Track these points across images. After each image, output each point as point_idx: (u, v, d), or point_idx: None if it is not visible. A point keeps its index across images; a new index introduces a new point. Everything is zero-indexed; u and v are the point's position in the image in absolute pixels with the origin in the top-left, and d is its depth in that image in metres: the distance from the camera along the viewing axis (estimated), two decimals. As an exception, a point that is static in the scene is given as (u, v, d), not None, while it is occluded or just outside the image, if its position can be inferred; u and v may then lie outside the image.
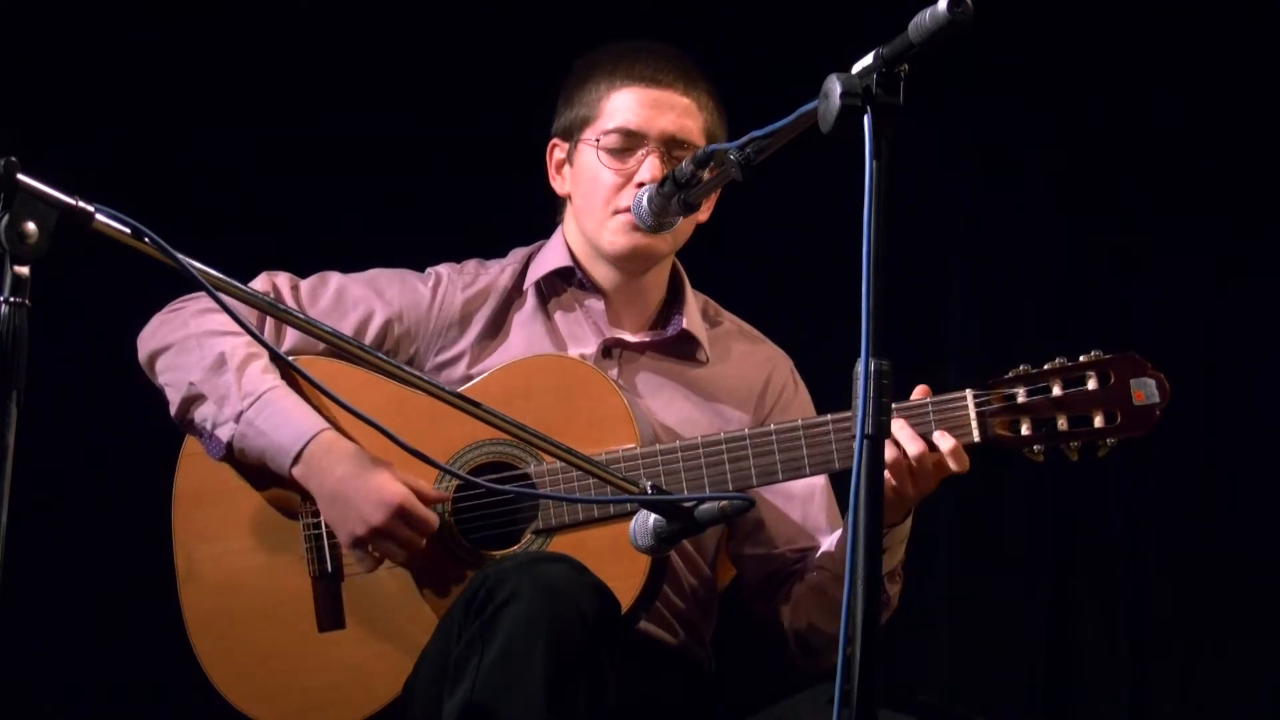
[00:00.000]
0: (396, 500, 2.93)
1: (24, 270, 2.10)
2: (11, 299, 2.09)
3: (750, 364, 3.24)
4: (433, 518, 2.95)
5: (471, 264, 3.26)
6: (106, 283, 3.67)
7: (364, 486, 2.93)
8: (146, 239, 2.19)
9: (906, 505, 2.89)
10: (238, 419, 3.00)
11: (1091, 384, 2.85)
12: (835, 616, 2.82)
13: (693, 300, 3.24)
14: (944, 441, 2.84)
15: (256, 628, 3.05)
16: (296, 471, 2.98)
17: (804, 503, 3.15)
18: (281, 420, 2.99)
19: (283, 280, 3.18)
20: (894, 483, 2.83)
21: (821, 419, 2.95)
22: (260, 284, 3.16)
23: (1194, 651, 4.23)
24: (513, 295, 3.21)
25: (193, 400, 3.05)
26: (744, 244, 3.99)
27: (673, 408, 3.15)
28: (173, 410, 3.08)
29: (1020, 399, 2.86)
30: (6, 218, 2.10)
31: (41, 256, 2.11)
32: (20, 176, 2.11)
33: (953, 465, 2.84)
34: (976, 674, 4.29)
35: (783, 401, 3.23)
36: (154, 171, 4.09)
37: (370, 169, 4.25)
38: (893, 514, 2.90)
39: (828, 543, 3.10)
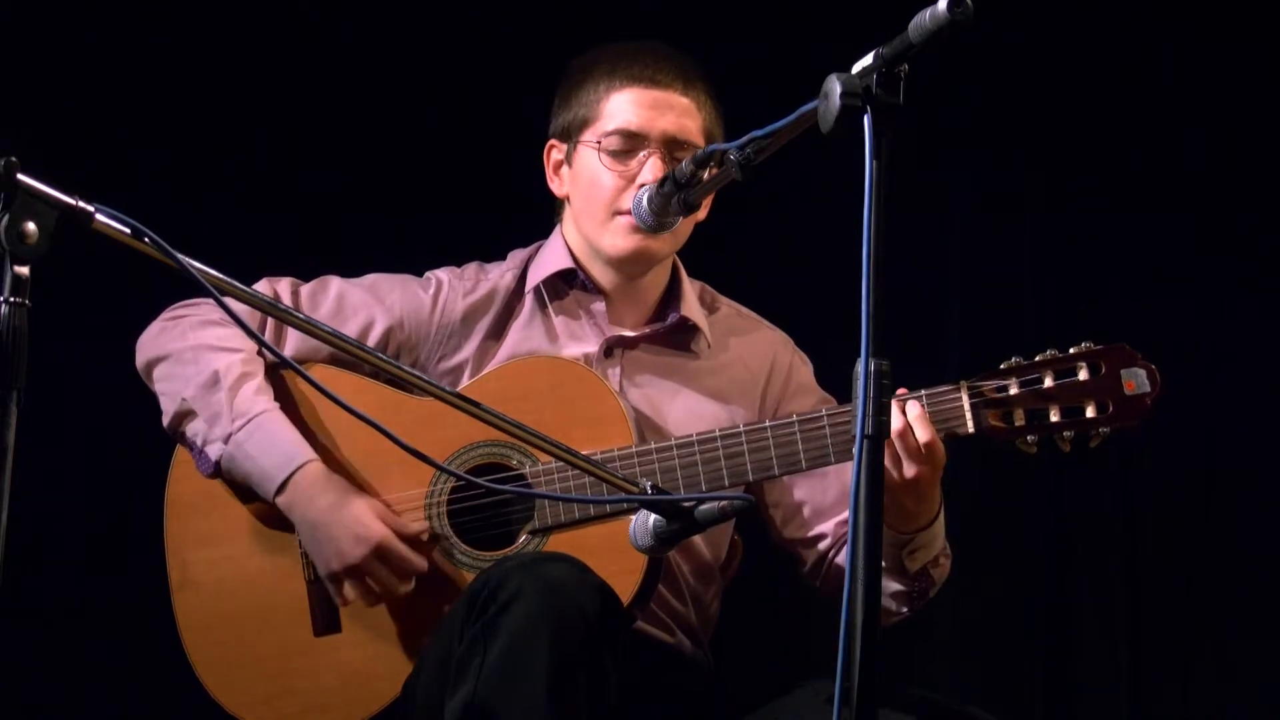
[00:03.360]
0: (376, 538, 2.93)
1: (24, 270, 2.10)
2: (11, 299, 2.09)
3: (752, 350, 3.24)
4: (416, 559, 2.95)
5: (471, 268, 3.25)
6: (107, 283, 3.67)
7: (344, 519, 2.94)
8: (146, 239, 2.18)
9: (916, 495, 2.88)
10: (227, 440, 3.00)
11: (1083, 374, 2.87)
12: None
13: (689, 289, 3.24)
14: (911, 409, 2.83)
15: (251, 632, 3.05)
16: (280, 500, 2.99)
17: (839, 474, 3.13)
18: (269, 446, 2.99)
19: (284, 286, 3.18)
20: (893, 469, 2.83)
21: (817, 414, 2.96)
22: (261, 288, 3.15)
23: (1193, 651, 4.23)
24: (514, 300, 3.21)
25: (185, 415, 3.06)
26: (743, 244, 3.98)
27: (678, 401, 3.15)
28: (165, 421, 3.09)
29: (1012, 390, 2.88)
30: (6, 218, 2.10)
31: (41, 256, 2.11)
32: (20, 176, 2.11)
33: (920, 432, 2.82)
34: (977, 673, 4.30)
35: (792, 382, 3.23)
36: (155, 172, 4.09)
37: (372, 170, 4.25)
38: (900, 509, 2.90)
39: None
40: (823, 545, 3.17)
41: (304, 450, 3.00)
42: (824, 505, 3.16)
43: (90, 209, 2.16)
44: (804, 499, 3.17)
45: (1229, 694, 4.21)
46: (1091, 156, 4.31)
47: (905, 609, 3.07)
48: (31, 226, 2.10)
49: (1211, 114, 4.24)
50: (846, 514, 3.12)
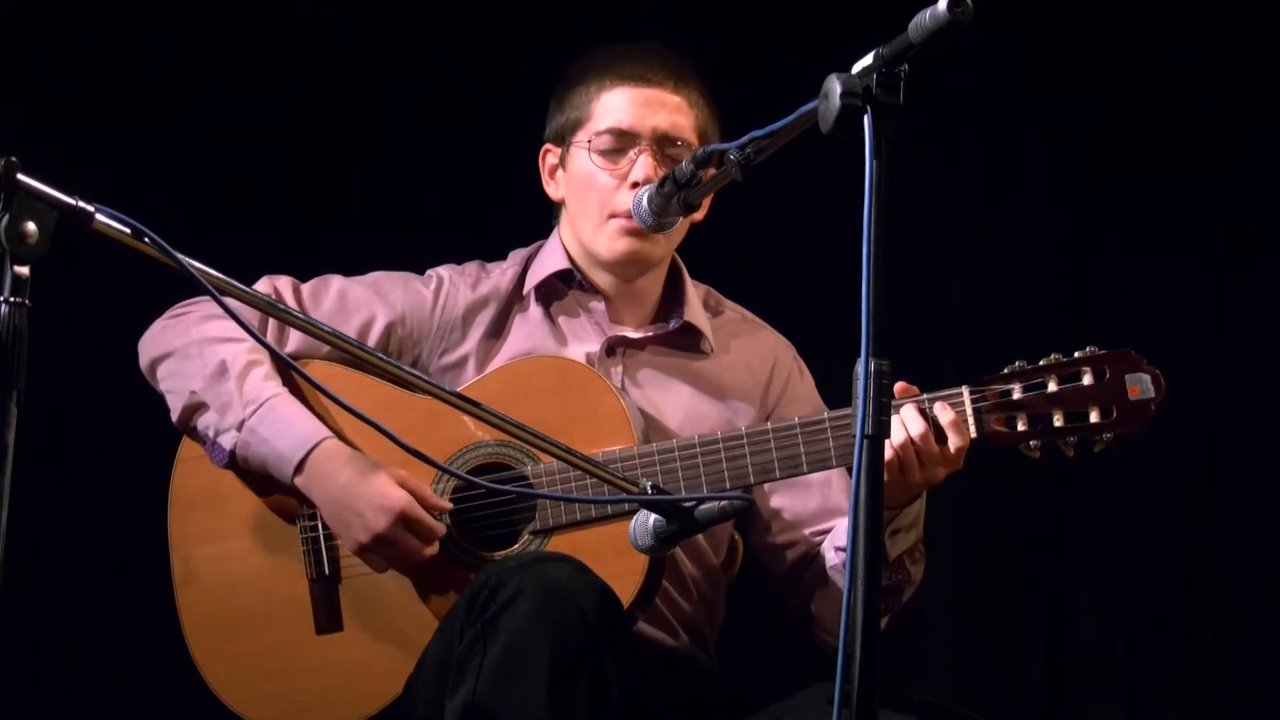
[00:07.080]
0: (399, 507, 2.93)
1: (24, 270, 2.10)
2: (11, 299, 2.09)
3: (754, 354, 3.24)
4: (437, 525, 2.96)
5: (472, 266, 3.26)
6: (107, 283, 3.67)
7: (366, 493, 2.94)
8: (146, 239, 2.19)
9: (911, 491, 2.88)
10: (240, 427, 3.00)
11: (1087, 379, 2.85)
12: None
13: (693, 292, 3.24)
14: (944, 415, 2.83)
15: (254, 630, 3.05)
16: (299, 480, 2.98)
17: (822, 488, 3.14)
18: (283, 428, 2.99)
19: (284, 284, 3.17)
20: (899, 470, 2.82)
21: (819, 418, 2.96)
22: (262, 287, 3.15)
23: (1193, 651, 4.23)
24: (514, 298, 3.21)
25: (195, 408, 3.05)
26: (744, 244, 3.98)
27: (679, 402, 3.15)
28: (174, 417, 3.09)
29: (1016, 395, 2.86)
30: (6, 218, 2.10)
31: (41, 256, 2.11)
32: (20, 176, 2.11)
33: (953, 439, 2.81)
34: (976, 674, 4.29)
35: (790, 389, 3.23)
36: (154, 171, 4.09)
37: (371, 171, 4.25)
38: (899, 496, 2.88)
39: (844, 531, 3.07)
40: (795, 554, 3.15)
41: (318, 429, 2.99)
42: (803, 515, 3.16)
43: (90, 209, 2.16)
44: (782, 506, 3.16)
45: (1229, 696, 4.21)
46: (1093, 156, 4.31)
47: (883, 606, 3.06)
48: (31, 226, 2.11)
49: (1212, 112, 4.24)
50: (822, 525, 3.14)
